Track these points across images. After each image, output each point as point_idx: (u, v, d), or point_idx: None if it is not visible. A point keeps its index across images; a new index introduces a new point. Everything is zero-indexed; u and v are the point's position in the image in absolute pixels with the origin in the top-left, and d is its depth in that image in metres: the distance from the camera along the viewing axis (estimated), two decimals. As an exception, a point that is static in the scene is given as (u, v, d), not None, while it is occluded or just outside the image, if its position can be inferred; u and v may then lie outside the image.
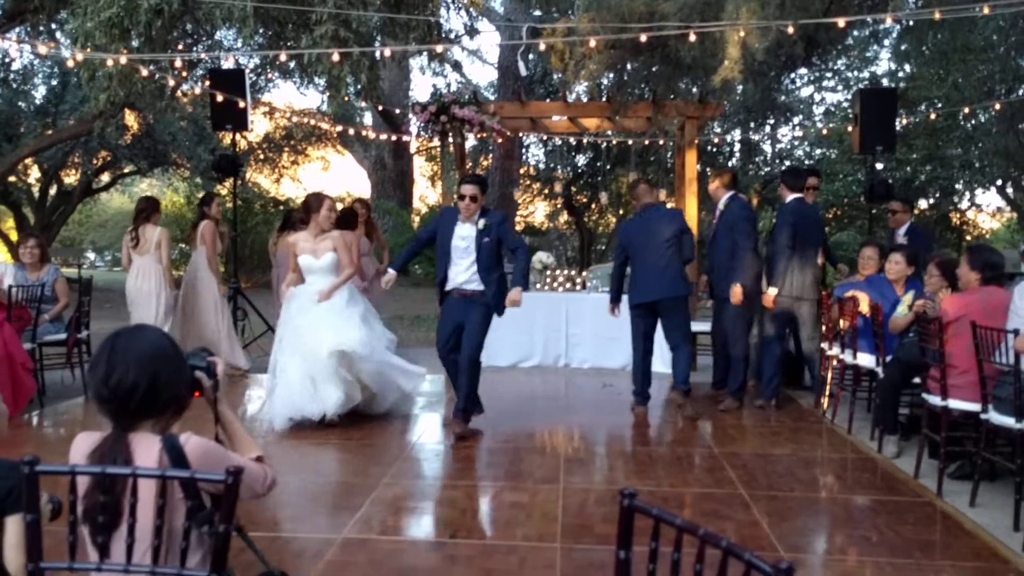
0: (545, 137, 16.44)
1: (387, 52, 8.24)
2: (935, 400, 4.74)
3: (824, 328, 6.91)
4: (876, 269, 6.43)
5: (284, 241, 8.56)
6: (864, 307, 5.99)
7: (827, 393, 6.78)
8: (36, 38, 10.77)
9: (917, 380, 5.26)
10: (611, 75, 9.41)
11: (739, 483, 4.79)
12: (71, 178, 19.27)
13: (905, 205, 8.04)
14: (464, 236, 5.84)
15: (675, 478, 4.95)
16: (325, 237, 6.24)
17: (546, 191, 19.68)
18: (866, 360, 6.10)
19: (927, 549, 3.86)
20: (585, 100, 10.29)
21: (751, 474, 5.00)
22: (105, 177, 20.14)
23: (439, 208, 14.09)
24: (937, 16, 6.74)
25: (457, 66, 17.16)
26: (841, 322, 6.38)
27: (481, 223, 5.78)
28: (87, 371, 2.14)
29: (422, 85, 46.95)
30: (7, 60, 15.81)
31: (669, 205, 7.50)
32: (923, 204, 17.64)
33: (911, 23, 10.02)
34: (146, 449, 2.00)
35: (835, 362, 6.63)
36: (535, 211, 22.16)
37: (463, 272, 5.85)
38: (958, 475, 4.80)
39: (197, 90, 13.21)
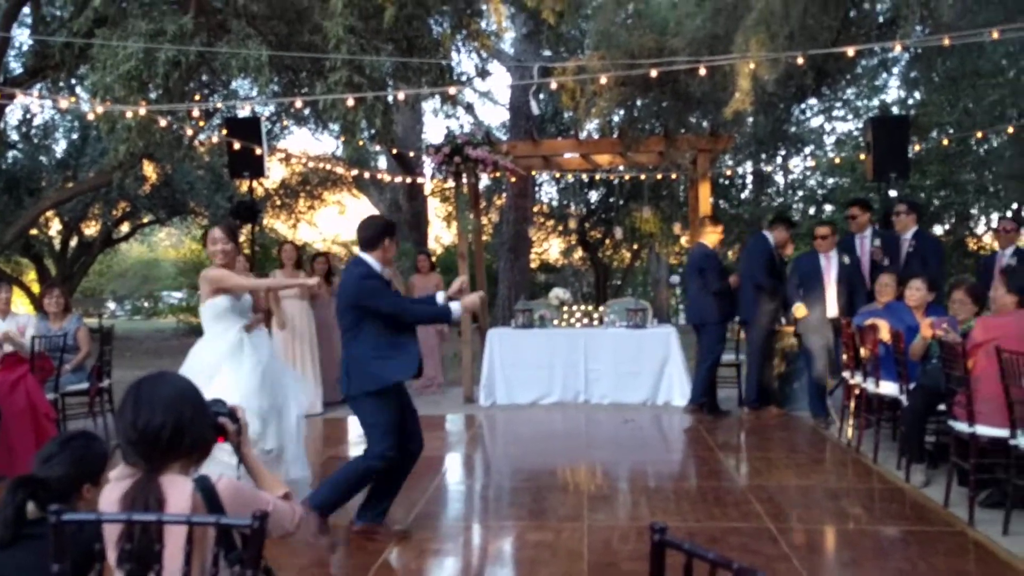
0: (558, 174, 16.54)
1: (400, 96, 8.34)
2: (962, 426, 4.68)
3: (845, 356, 6.87)
4: (893, 296, 6.40)
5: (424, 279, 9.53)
6: (884, 335, 5.95)
7: (850, 423, 6.72)
8: (57, 93, 11.00)
9: (942, 407, 5.19)
10: (622, 111, 9.49)
11: (766, 516, 4.73)
12: (91, 229, 19.52)
13: (1016, 224, 7.47)
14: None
15: (701, 513, 4.89)
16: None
17: (560, 228, 19.74)
18: (889, 388, 6.04)
19: (961, 579, 3.79)
20: (597, 137, 10.36)
21: (778, 507, 4.94)
22: (125, 227, 20.39)
23: (455, 248, 14.13)
24: (946, 42, 6.74)
25: (469, 108, 17.26)
26: (862, 350, 6.34)
27: None
28: (115, 416, 2.19)
29: (435, 128, 47.47)
30: (29, 116, 16.19)
31: (684, 240, 7.91)
32: (939, 230, 17.58)
33: (920, 50, 10.05)
34: (179, 490, 2.04)
35: (857, 391, 6.57)
36: (550, 248, 22.22)
37: None
38: (989, 503, 4.72)
39: (214, 139, 13.43)
